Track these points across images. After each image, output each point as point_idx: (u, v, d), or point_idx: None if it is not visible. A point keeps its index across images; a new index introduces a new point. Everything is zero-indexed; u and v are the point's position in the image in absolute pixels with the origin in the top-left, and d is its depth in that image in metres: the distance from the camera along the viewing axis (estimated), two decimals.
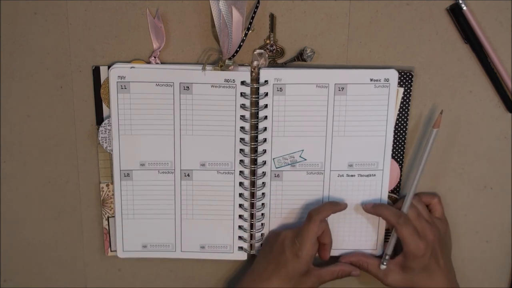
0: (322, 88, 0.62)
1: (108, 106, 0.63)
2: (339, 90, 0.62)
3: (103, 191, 0.66)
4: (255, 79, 0.62)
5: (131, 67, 0.61)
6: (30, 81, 0.63)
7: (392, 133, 0.63)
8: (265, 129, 0.63)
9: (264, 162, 0.64)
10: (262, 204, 0.66)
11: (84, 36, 0.61)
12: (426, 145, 0.61)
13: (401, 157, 0.65)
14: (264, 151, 0.64)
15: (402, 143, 0.65)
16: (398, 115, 0.64)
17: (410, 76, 0.62)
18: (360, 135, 0.63)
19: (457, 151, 0.65)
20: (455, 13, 0.60)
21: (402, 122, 0.64)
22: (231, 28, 0.58)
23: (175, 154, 0.64)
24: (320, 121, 0.63)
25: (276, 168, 0.64)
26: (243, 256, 0.67)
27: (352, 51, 0.62)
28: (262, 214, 0.66)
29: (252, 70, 0.62)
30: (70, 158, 0.65)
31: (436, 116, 0.61)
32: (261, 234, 0.67)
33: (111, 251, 0.68)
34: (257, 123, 0.63)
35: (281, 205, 0.66)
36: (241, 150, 0.64)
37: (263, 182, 0.65)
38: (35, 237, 0.68)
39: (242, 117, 0.63)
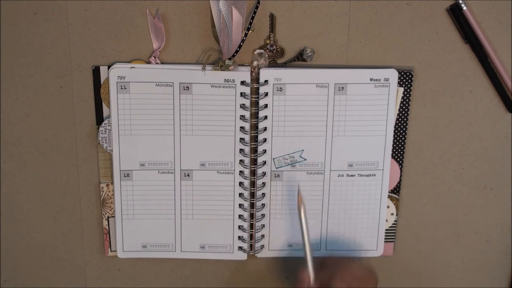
0: (322, 88, 0.62)
1: (108, 106, 0.63)
2: (339, 90, 0.62)
3: (103, 191, 0.66)
4: (255, 79, 0.62)
5: (131, 67, 0.61)
6: (30, 81, 0.63)
7: (392, 133, 0.63)
8: (265, 129, 0.63)
9: (264, 162, 0.64)
10: (262, 204, 0.66)
11: (84, 36, 0.61)
12: (301, 225, 0.59)
13: (401, 157, 0.65)
14: (264, 151, 0.64)
15: (402, 143, 0.65)
16: (398, 115, 0.64)
17: (410, 76, 0.62)
18: (360, 135, 0.63)
19: (457, 151, 0.65)
20: (455, 13, 0.60)
21: (402, 122, 0.64)
22: (231, 28, 0.58)
23: (175, 154, 0.64)
24: (320, 121, 0.63)
25: (276, 168, 0.64)
26: (243, 256, 0.67)
27: (352, 51, 0.62)
28: (262, 214, 0.66)
29: (252, 70, 0.62)
30: (70, 158, 0.65)
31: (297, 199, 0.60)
32: (261, 235, 0.67)
33: (111, 251, 0.68)
34: (257, 123, 0.63)
35: (281, 205, 0.66)
36: (241, 150, 0.64)
37: (263, 182, 0.65)
38: (35, 237, 0.68)
39: (242, 117, 0.63)
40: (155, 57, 0.62)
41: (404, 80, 0.62)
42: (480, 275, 0.70)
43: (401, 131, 0.64)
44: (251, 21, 0.59)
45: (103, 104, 0.63)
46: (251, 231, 0.66)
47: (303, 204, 0.59)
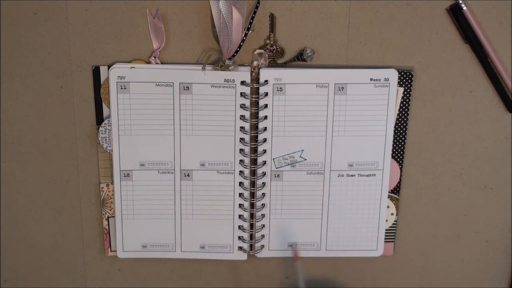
0: (322, 88, 0.62)
1: (108, 106, 0.63)
2: (339, 90, 0.62)
3: (103, 191, 0.66)
4: (255, 79, 0.62)
5: (131, 67, 0.61)
6: (30, 81, 0.63)
7: (392, 133, 0.63)
8: (265, 129, 0.63)
9: (264, 162, 0.64)
10: (262, 204, 0.66)
11: (84, 36, 0.61)
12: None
13: (401, 157, 0.65)
14: (264, 151, 0.64)
15: (402, 143, 0.65)
16: (398, 115, 0.64)
17: (410, 76, 0.62)
18: (360, 135, 0.63)
19: (457, 151, 0.65)
20: (455, 13, 0.60)
21: (402, 122, 0.64)
22: (231, 28, 0.58)
23: (175, 154, 0.64)
24: (320, 121, 0.63)
25: (276, 168, 0.64)
26: (243, 256, 0.67)
27: (352, 51, 0.62)
28: (262, 214, 0.66)
29: (252, 70, 0.62)
30: (70, 158, 0.65)
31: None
32: (261, 235, 0.67)
33: (111, 251, 0.68)
34: (257, 123, 0.63)
35: (281, 205, 0.66)
36: (241, 150, 0.64)
37: (263, 182, 0.65)
38: (35, 237, 0.68)
39: (242, 117, 0.63)
40: (155, 57, 0.62)
41: (404, 80, 0.62)
42: (480, 275, 0.70)
43: (401, 131, 0.64)
44: (251, 21, 0.59)
45: (103, 104, 0.63)
46: (251, 231, 0.66)
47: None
